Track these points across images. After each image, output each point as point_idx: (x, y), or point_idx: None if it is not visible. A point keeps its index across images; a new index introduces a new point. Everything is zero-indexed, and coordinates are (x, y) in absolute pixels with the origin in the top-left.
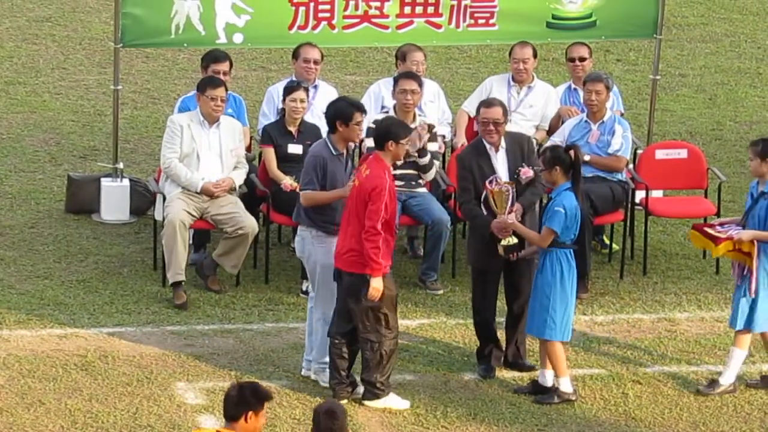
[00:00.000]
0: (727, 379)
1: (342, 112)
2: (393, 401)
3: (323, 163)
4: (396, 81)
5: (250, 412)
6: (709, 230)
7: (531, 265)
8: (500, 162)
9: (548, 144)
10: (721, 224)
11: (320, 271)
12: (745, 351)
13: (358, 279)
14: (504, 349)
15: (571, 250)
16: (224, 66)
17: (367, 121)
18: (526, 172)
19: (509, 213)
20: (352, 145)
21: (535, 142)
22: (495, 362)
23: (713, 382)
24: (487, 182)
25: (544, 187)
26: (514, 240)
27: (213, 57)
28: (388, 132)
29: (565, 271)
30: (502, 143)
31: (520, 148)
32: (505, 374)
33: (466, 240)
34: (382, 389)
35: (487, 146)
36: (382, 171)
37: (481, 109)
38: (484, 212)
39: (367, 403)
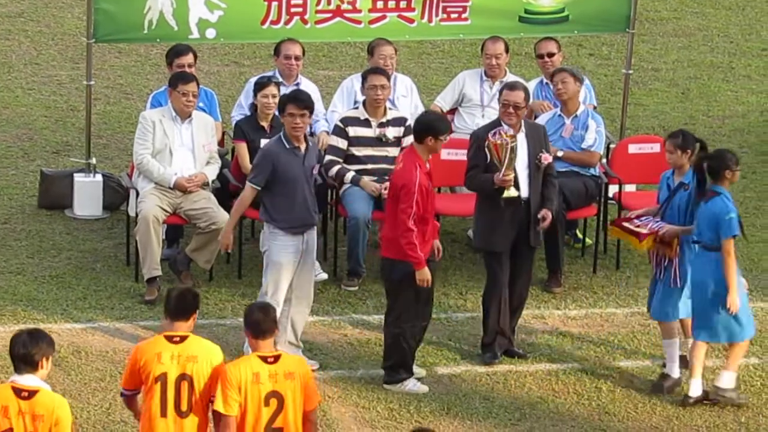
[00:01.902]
0: (675, 372)
1: (279, 106)
2: (411, 385)
3: (275, 158)
4: (364, 77)
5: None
6: (629, 225)
7: (533, 252)
8: (520, 145)
9: None
10: (638, 217)
11: (269, 265)
12: (676, 338)
13: (388, 263)
14: (507, 337)
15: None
16: (188, 59)
17: (338, 117)
18: (546, 158)
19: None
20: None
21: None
22: (499, 349)
23: (664, 377)
24: (489, 135)
25: (554, 177)
26: (515, 192)
27: (175, 52)
28: (429, 127)
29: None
30: (523, 128)
31: (537, 133)
32: (478, 369)
33: (472, 225)
34: (401, 374)
35: (505, 128)
36: (413, 166)
37: (504, 91)
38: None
39: (386, 386)
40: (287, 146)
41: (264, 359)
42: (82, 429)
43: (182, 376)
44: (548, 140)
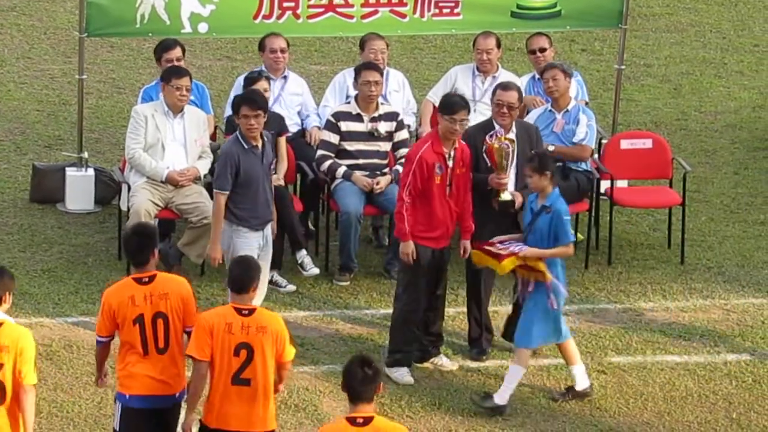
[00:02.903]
0: (582, 384)
1: (233, 108)
2: (398, 374)
3: (236, 159)
4: (357, 72)
5: (156, 250)
6: (490, 248)
7: None
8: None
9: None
10: (501, 242)
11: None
12: (525, 368)
13: (395, 242)
14: (492, 333)
15: None
16: (176, 53)
17: (330, 112)
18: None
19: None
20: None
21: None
22: (486, 345)
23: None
24: (487, 137)
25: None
26: (509, 196)
27: (163, 46)
28: (440, 105)
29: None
30: (513, 128)
31: (528, 135)
32: (469, 363)
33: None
34: (395, 357)
35: (497, 127)
36: (424, 141)
37: (498, 91)
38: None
39: (385, 368)
40: (245, 146)
41: (239, 311)
42: (74, 423)
43: (157, 314)
44: (541, 141)
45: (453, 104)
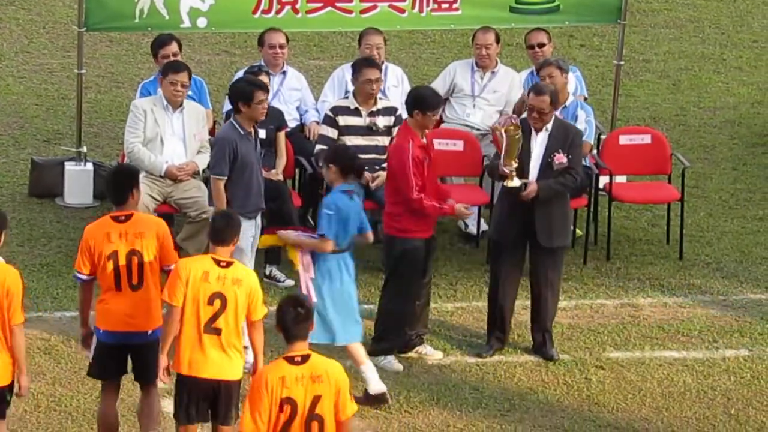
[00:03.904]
0: (376, 387)
1: (242, 92)
2: (385, 362)
3: (234, 145)
4: (357, 68)
5: (135, 191)
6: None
7: (548, 253)
8: (539, 143)
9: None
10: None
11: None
12: (365, 362)
13: (388, 240)
14: (505, 333)
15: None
16: (172, 48)
17: (328, 106)
18: (560, 158)
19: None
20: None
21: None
22: (495, 343)
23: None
24: (496, 122)
25: (575, 180)
26: (516, 183)
27: (159, 42)
28: (415, 101)
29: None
30: (548, 126)
31: (565, 135)
32: (468, 359)
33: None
34: (382, 347)
35: (514, 117)
36: (405, 141)
37: (530, 95)
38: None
39: (369, 357)
40: (241, 132)
41: (217, 262)
42: (72, 417)
43: (131, 252)
44: (577, 146)
45: (431, 103)
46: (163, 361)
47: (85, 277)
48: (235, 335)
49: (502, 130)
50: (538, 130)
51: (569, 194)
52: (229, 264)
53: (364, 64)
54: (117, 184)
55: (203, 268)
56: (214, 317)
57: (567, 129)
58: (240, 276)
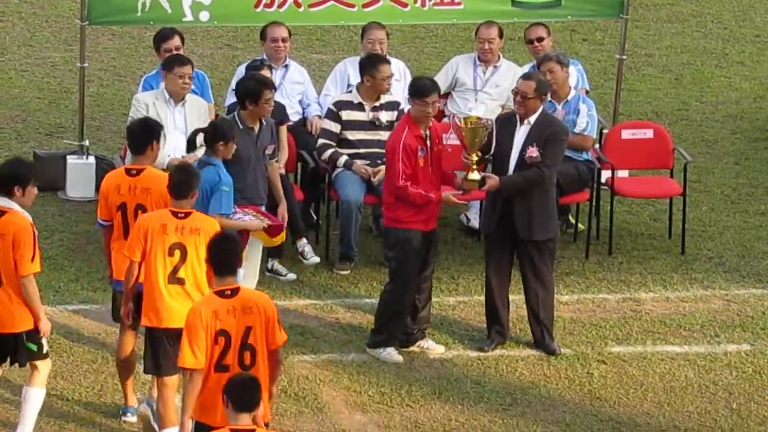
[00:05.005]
0: None
1: (251, 91)
2: (386, 353)
3: None
4: (371, 65)
5: (154, 142)
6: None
7: (539, 247)
8: (520, 134)
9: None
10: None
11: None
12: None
13: (385, 231)
14: (504, 326)
15: None
16: (175, 42)
17: (331, 101)
18: (531, 152)
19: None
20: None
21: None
22: (496, 337)
23: None
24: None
25: (540, 174)
26: (476, 176)
27: (161, 36)
28: (410, 89)
29: None
30: (531, 120)
31: (547, 131)
32: (469, 353)
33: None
34: (381, 338)
35: (517, 116)
36: (401, 129)
37: (519, 80)
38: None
39: (367, 349)
40: (241, 126)
41: (175, 214)
42: (74, 410)
43: (138, 206)
44: (555, 143)
45: (424, 88)
46: (125, 308)
47: (105, 223)
48: (197, 284)
49: (457, 121)
50: (521, 121)
51: (537, 188)
52: (187, 214)
53: (378, 61)
54: (139, 134)
55: (161, 221)
56: (176, 268)
57: (549, 124)
58: (198, 225)
